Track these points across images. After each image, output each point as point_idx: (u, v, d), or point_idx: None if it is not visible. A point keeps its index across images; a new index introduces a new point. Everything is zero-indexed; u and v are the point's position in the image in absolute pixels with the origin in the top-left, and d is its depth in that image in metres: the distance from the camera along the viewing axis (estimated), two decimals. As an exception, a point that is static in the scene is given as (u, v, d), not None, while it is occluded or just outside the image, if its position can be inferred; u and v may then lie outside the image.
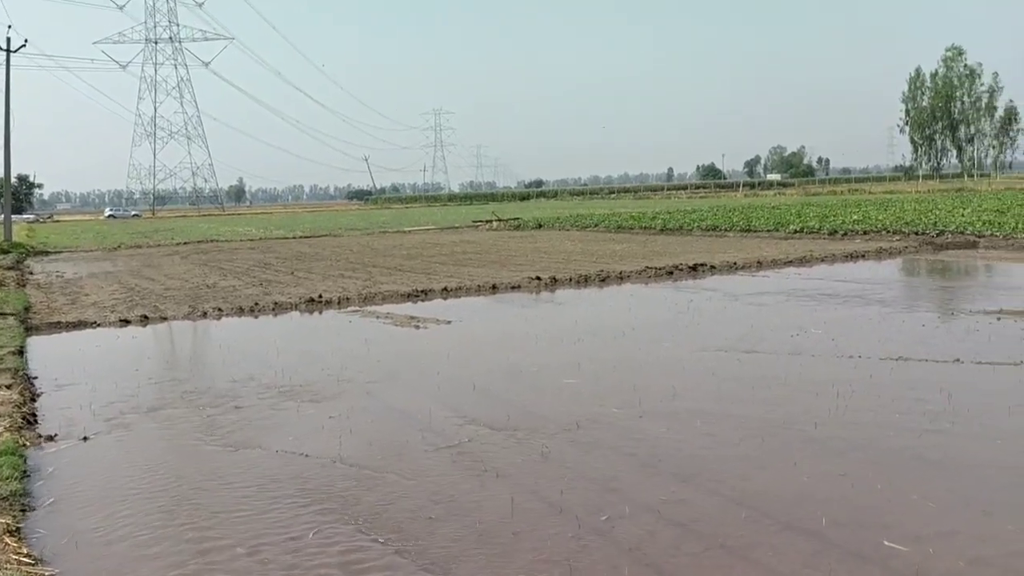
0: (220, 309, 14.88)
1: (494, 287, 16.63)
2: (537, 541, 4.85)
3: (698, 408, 7.42)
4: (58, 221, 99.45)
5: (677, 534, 4.87)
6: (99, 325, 13.80)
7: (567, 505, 5.34)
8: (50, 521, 5.46)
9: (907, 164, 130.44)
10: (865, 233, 25.40)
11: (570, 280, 17.35)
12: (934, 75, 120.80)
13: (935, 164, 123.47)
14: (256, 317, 14.36)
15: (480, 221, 48.26)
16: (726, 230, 29.83)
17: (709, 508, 5.22)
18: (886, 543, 4.64)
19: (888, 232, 25.09)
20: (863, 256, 20.39)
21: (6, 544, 4.79)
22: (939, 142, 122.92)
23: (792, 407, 7.36)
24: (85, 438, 7.31)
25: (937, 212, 31.29)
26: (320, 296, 15.84)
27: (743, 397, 7.75)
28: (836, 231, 26.28)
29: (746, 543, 4.72)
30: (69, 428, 7.61)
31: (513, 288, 16.61)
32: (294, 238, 39.56)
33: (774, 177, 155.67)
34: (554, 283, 17.09)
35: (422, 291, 16.26)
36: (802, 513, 5.10)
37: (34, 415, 8.04)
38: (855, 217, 30.40)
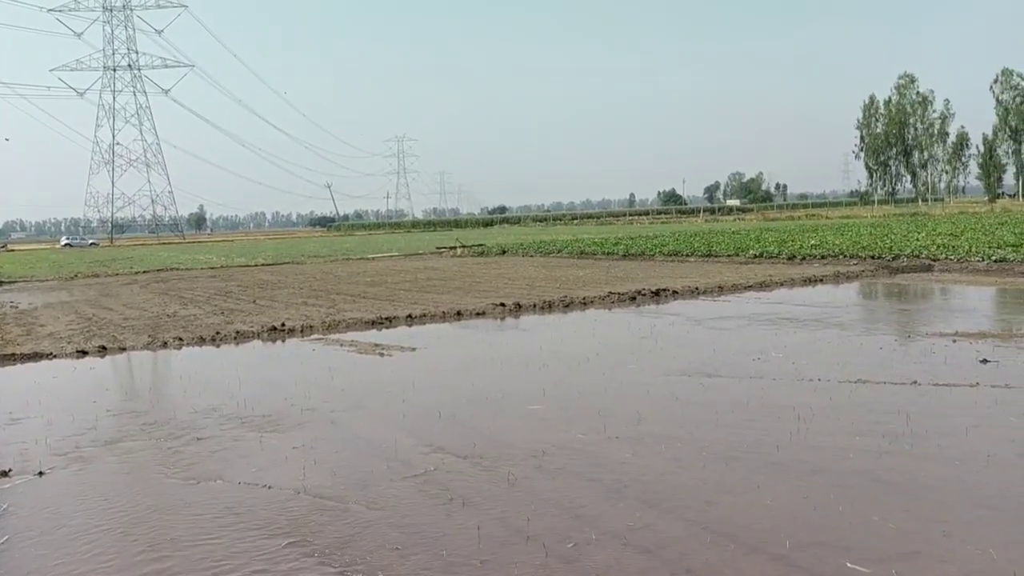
0: (181, 339, 14.67)
1: (459, 313, 16.62)
2: (504, 570, 4.84)
3: (663, 433, 7.47)
4: (12, 250, 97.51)
5: (643, 560, 4.88)
6: (55, 356, 13.53)
7: (534, 532, 5.34)
8: (4, 561, 5.32)
9: (863, 189, 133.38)
10: (823, 258, 25.84)
11: (534, 306, 17.40)
12: (888, 102, 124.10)
13: (890, 189, 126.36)
14: (218, 346, 14.18)
15: (444, 247, 48.27)
16: (688, 255, 30.16)
17: (675, 533, 5.24)
18: (849, 565, 4.69)
19: (845, 256, 25.55)
20: (821, 280, 20.73)
21: (-42, 584, 4.66)
22: (893, 167, 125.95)
23: (754, 431, 7.44)
24: (40, 473, 7.14)
25: (892, 236, 31.97)
26: (283, 324, 15.70)
27: (707, 421, 7.81)
28: (795, 256, 26.71)
29: (712, 567, 4.75)
30: (24, 463, 7.43)
31: (478, 314, 16.61)
32: (256, 266, 39.20)
33: (734, 203, 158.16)
34: (518, 309, 17.13)
35: (386, 318, 16.19)
36: (766, 536, 5.15)
37: (-13, 450, 7.84)
38: (813, 242, 30.94)
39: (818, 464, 6.46)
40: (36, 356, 13.58)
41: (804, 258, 26.18)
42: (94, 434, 8.42)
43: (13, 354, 13.68)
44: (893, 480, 6.06)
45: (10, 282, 34.30)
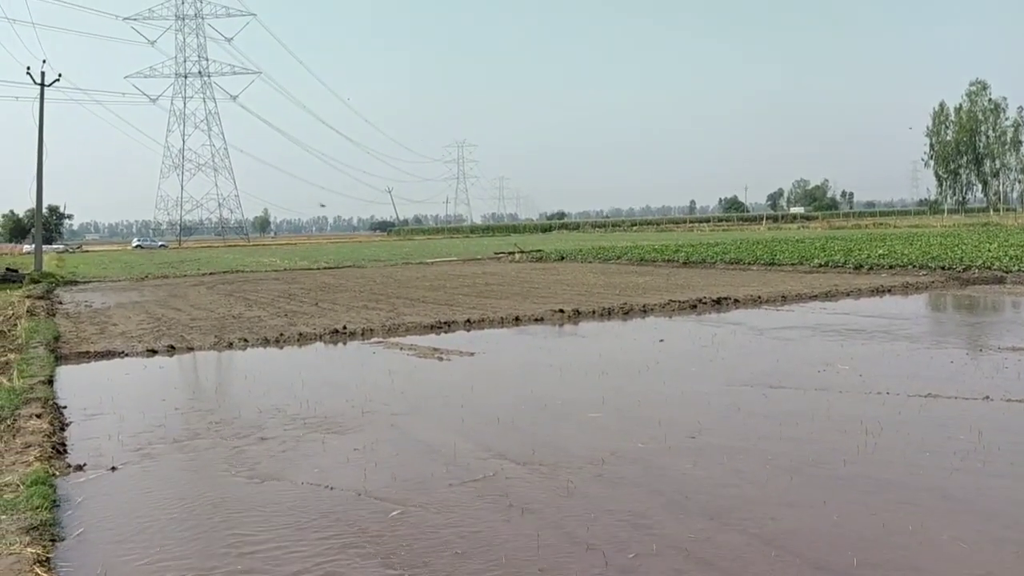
0: (246, 339, 15.00)
1: (517, 319, 16.66)
2: (564, 578, 4.82)
3: (724, 444, 7.37)
4: (87, 251, 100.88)
5: (705, 573, 4.82)
6: (127, 355, 13.96)
7: (593, 541, 5.31)
8: (79, 551, 5.50)
9: (932, 198, 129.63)
10: (891, 267, 25.22)
11: (593, 313, 17.34)
12: (958, 109, 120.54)
13: (960, 198, 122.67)
14: (281, 348, 14.46)
15: (502, 253, 48.42)
16: (749, 263, 29.73)
17: (737, 546, 5.16)
18: (919, 585, 4.57)
19: (914, 267, 24.89)
20: (889, 291, 20.24)
21: (36, 574, 4.83)
22: (964, 176, 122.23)
23: (820, 444, 7.29)
24: (113, 468, 7.37)
25: (963, 247, 31.03)
26: (344, 327, 15.93)
27: (770, 433, 7.68)
28: (861, 265, 26.12)
29: (775, 583, 4.66)
30: (98, 458, 7.68)
31: (536, 320, 16.62)
32: (318, 269, 39.87)
33: (797, 210, 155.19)
34: (577, 315, 17.09)
35: (445, 323, 16.31)
36: (832, 553, 5.04)
37: (63, 444, 8.12)
38: (880, 251, 30.22)
39: (887, 480, 6.30)
40: (109, 354, 14.03)
41: (871, 268, 25.58)
42: (163, 431, 8.65)
43: (88, 352, 14.15)
44: (965, 498, 5.88)
45: (85, 282, 35.50)
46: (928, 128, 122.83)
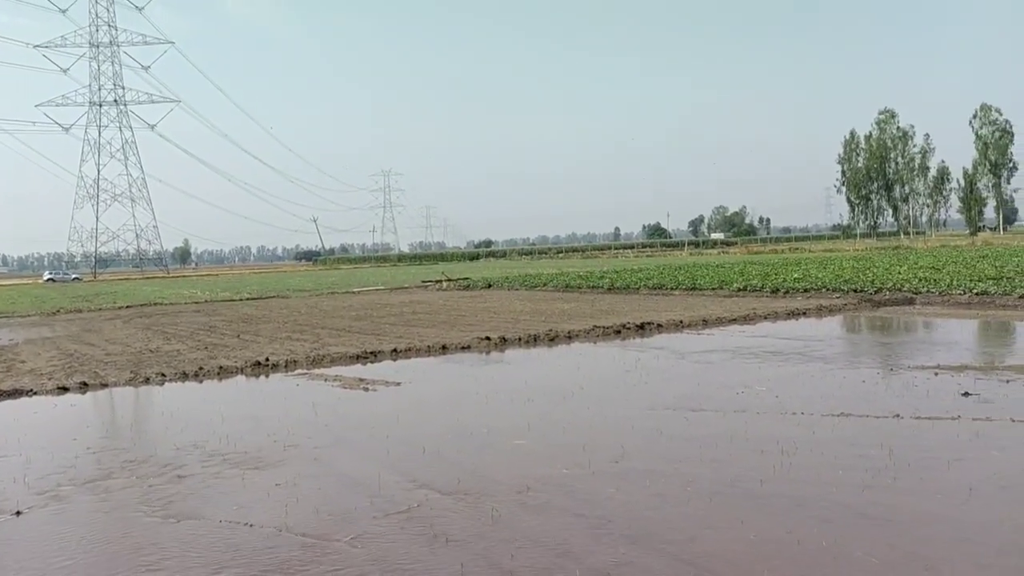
0: (163, 374, 14.57)
1: (444, 347, 16.60)
2: (487, 608, 4.80)
3: (647, 468, 7.47)
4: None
5: (627, 597, 4.86)
6: (35, 393, 13.40)
7: (517, 569, 5.31)
8: (-20, 601, 5.24)
9: (845, 223, 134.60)
10: (806, 291, 26.01)
11: (519, 340, 17.41)
12: (868, 137, 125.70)
13: (872, 223, 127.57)
14: (200, 382, 14.09)
15: (429, 281, 48.29)
16: (672, 288, 30.30)
17: (659, 569, 5.23)
18: (832, 600, 4.69)
19: (828, 290, 25.73)
20: (804, 313, 20.86)
21: (-68, 627, 4.58)
22: (875, 201, 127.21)
23: (738, 465, 7.45)
24: (18, 512, 7.05)
25: (875, 270, 32.25)
26: (267, 359, 15.63)
27: (690, 456, 7.82)
28: (778, 289, 26.87)
29: (695, 604, 4.73)
30: (1, 502, 7.34)
31: (463, 348, 16.60)
32: (240, 300, 39.05)
33: (718, 236, 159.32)
34: (503, 343, 17.13)
35: (371, 352, 16.15)
36: (750, 571, 5.14)
37: (-35, 489, 7.73)
38: (796, 275, 31.17)
39: (801, 498, 6.47)
40: (16, 393, 13.44)
41: (787, 291, 26.35)
42: (74, 472, 8.33)
43: (-7, 391, 13.53)
44: (876, 514, 6.08)
45: (-9, 317, 33.98)
46: (840, 155, 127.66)
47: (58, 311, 36.09)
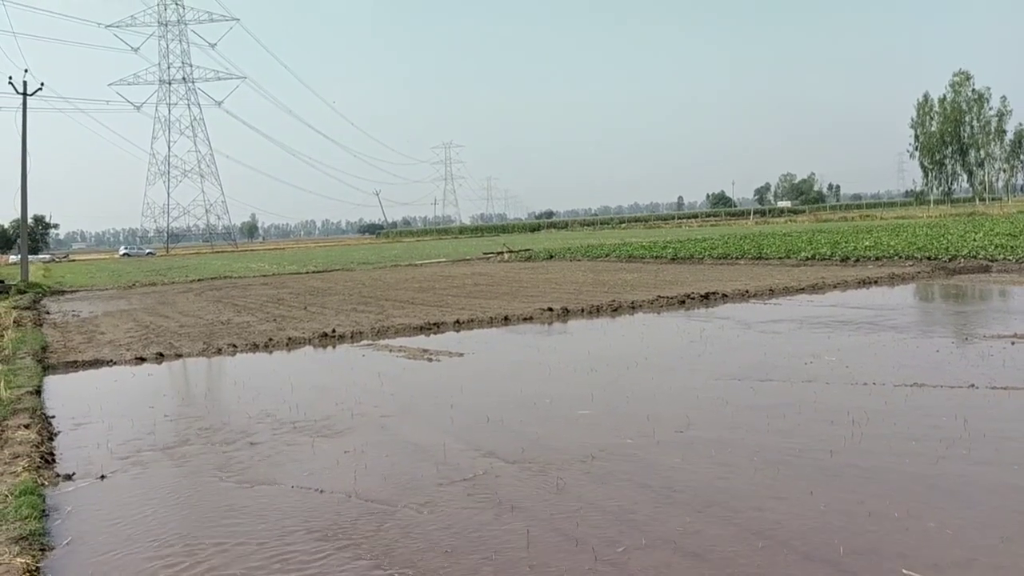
0: (234, 345, 14.97)
1: (506, 319, 16.67)
2: (554, 573, 4.85)
3: (712, 437, 7.41)
4: (73, 261, 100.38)
5: (693, 565, 4.85)
6: (115, 363, 13.91)
7: (583, 537, 5.34)
8: (68, 561, 5.49)
9: (918, 189, 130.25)
10: (877, 259, 25.36)
11: (582, 310, 17.38)
12: (942, 100, 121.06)
13: (946, 189, 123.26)
14: (270, 353, 14.43)
15: (491, 253, 48.44)
16: (737, 258, 29.83)
17: (725, 538, 5.20)
18: (904, 572, 4.61)
19: (900, 258, 25.05)
20: (875, 282, 20.35)
21: (26, 583, 4.83)
22: (949, 167, 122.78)
23: (807, 435, 7.34)
24: (102, 476, 7.35)
25: (949, 237, 31.22)
26: (333, 331, 15.91)
27: (757, 426, 7.73)
28: (848, 257, 26.25)
29: (764, 574, 4.70)
30: (86, 467, 7.66)
31: (525, 319, 16.65)
32: (306, 273, 39.78)
33: (784, 204, 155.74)
34: (566, 314, 17.12)
35: (434, 324, 16.31)
36: (819, 542, 5.08)
37: (52, 454, 8.10)
38: (867, 243, 30.37)
39: (873, 469, 6.35)
40: (97, 363, 13.97)
41: (858, 260, 25.72)
42: (152, 439, 8.64)
43: (75, 361, 14.10)
44: (950, 486, 5.94)
45: (72, 291, 35.32)
46: (913, 119, 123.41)
47: (134, 284, 37.29)
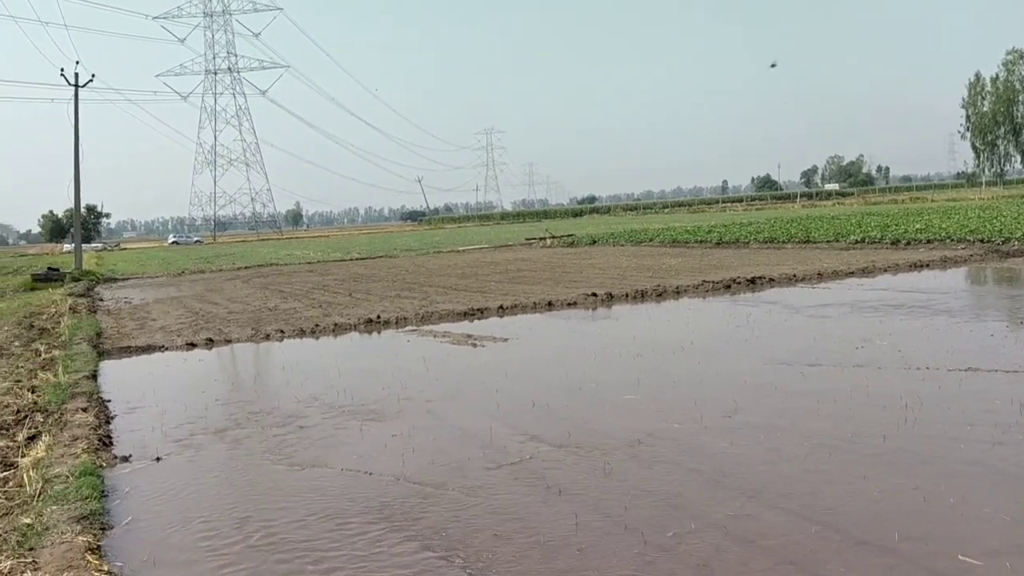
0: (282, 331, 15.18)
1: (550, 304, 16.66)
2: (603, 558, 4.85)
3: (761, 422, 7.33)
4: (125, 249, 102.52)
5: (745, 550, 4.82)
6: (167, 349, 14.20)
7: (631, 521, 5.33)
8: (128, 539, 5.64)
9: (969, 171, 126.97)
10: (928, 242, 24.82)
11: (626, 296, 17.29)
12: (995, 80, 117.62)
13: (998, 170, 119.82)
14: (317, 338, 14.61)
15: (533, 239, 48.40)
16: (784, 242, 29.42)
17: (777, 524, 5.15)
18: (961, 557, 4.53)
19: (952, 240, 24.48)
20: (927, 265, 19.93)
21: (88, 562, 4.96)
22: (1002, 148, 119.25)
23: (859, 420, 7.22)
24: (158, 458, 7.52)
25: (1002, 219, 30.42)
26: (378, 317, 16.05)
27: (808, 411, 7.63)
28: (898, 240, 25.74)
29: (817, 559, 4.65)
30: (142, 449, 7.85)
31: (569, 305, 16.62)
32: (351, 260, 40.16)
33: (832, 187, 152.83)
34: (610, 299, 17.05)
35: (478, 309, 16.36)
36: (873, 528, 5.00)
37: (109, 437, 8.31)
38: (918, 226, 29.74)
39: (927, 454, 6.24)
40: (149, 348, 14.28)
41: (909, 243, 25.20)
42: (205, 422, 8.81)
43: (129, 347, 14.43)
44: (1006, 471, 5.80)
45: (123, 279, 36.12)
46: (964, 100, 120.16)
47: (183, 272, 37.99)
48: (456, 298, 18.56)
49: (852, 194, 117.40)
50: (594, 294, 17.44)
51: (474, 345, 12.57)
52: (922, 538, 4.83)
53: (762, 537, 4.96)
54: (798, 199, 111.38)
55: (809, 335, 11.50)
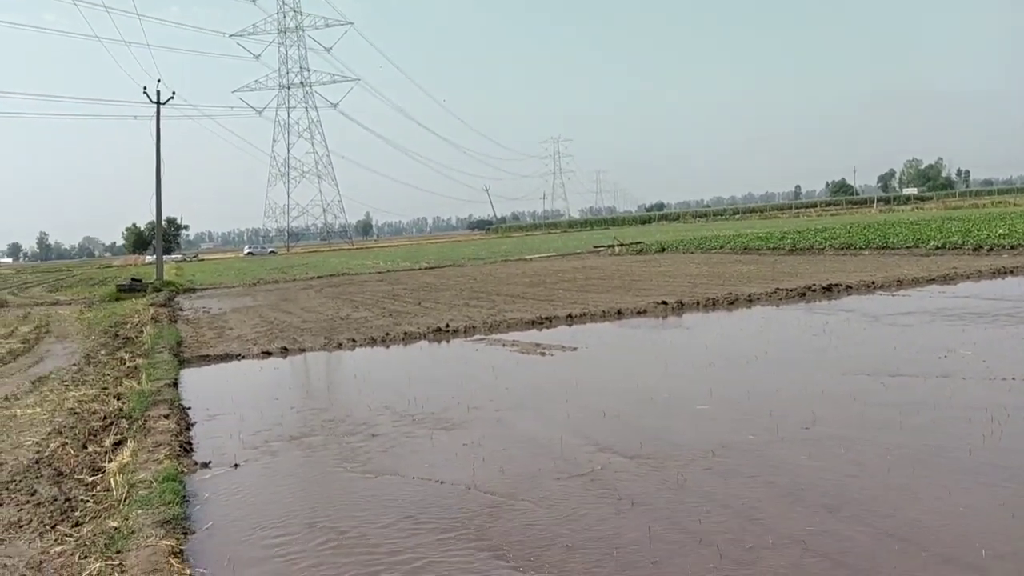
0: (354, 340, 15.42)
1: (619, 312, 16.54)
2: (678, 571, 4.77)
3: (841, 435, 7.13)
4: (203, 260, 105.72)
5: (825, 566, 4.68)
6: (243, 357, 14.56)
7: (707, 534, 5.23)
8: (209, 544, 5.78)
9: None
10: (1013, 248, 23.86)
11: (697, 304, 17.06)
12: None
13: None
14: (387, 347, 14.79)
15: (601, 246, 48.20)
16: (861, 248, 28.66)
17: (859, 539, 4.99)
18: (1058, 580, 4.32)
19: (1040, 245, 23.48)
20: (1012, 272, 19.15)
21: (171, 565, 5.10)
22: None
23: (943, 433, 6.97)
24: (236, 465, 7.70)
25: (1096, 222, 29.06)
26: (447, 325, 16.17)
27: (889, 423, 7.39)
28: (981, 246, 24.81)
29: (900, 577, 4.49)
30: (221, 455, 8.05)
31: (639, 313, 16.47)
32: (419, 269, 40.58)
33: (911, 191, 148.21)
34: (681, 307, 16.85)
35: (546, 318, 16.34)
36: (960, 545, 4.81)
37: (189, 443, 8.54)
38: (1001, 231, 28.61)
39: (1016, 468, 5.98)
40: (227, 357, 14.66)
41: (992, 248, 24.27)
42: (280, 429, 8.99)
43: (207, 355, 14.84)
44: (1107, 489, 5.52)
45: (202, 289, 37.20)
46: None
47: (258, 282, 38.94)
48: (524, 307, 18.57)
49: (931, 198, 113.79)
50: (664, 302, 17.26)
51: (543, 354, 12.56)
52: (1011, 556, 4.62)
53: (843, 553, 4.82)
54: (875, 204, 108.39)
55: (889, 344, 11.16)
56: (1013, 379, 8.59)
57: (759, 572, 4.68)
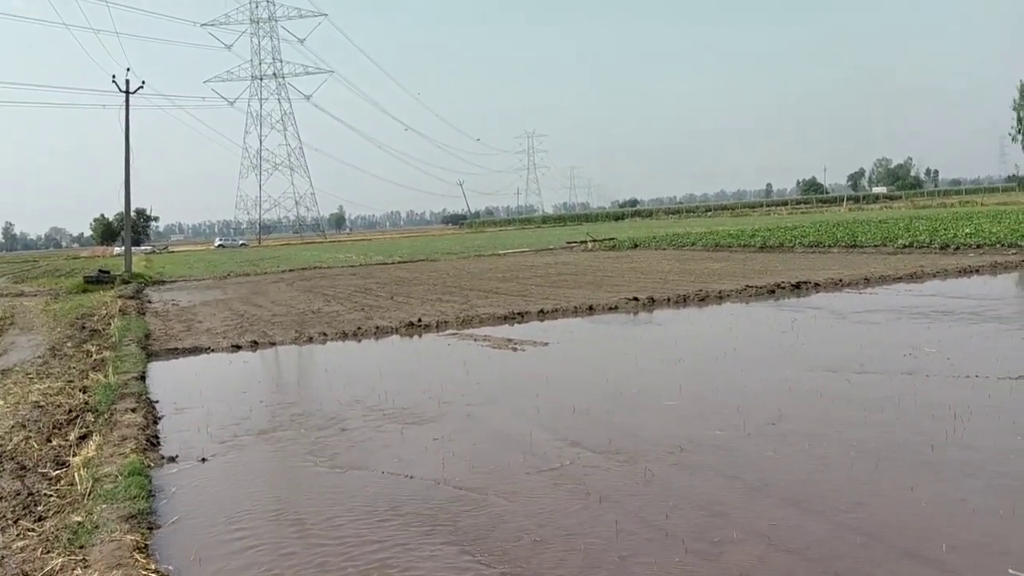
0: (325, 334, 15.34)
1: (591, 308, 16.61)
2: (644, 566, 4.82)
3: (806, 430, 7.23)
4: (172, 252, 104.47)
5: (789, 561, 4.75)
6: (212, 350, 14.44)
7: (673, 529, 5.28)
8: (175, 538, 5.74)
9: (1020, 174, 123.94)
10: (978, 247, 24.27)
11: (668, 300, 17.18)
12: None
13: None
14: (359, 341, 14.74)
15: (574, 242, 48.31)
16: (830, 246, 28.99)
17: (822, 534, 5.07)
18: (1011, 571, 4.42)
19: (1003, 245, 23.89)
20: (977, 271, 19.48)
21: (136, 560, 5.06)
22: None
23: (907, 429, 7.09)
24: (203, 459, 7.65)
25: (1058, 223, 29.63)
26: (419, 320, 16.14)
27: (854, 419, 7.50)
28: (948, 245, 25.21)
29: (862, 570, 4.57)
30: (188, 449, 7.99)
31: (610, 309, 16.55)
32: (392, 263, 40.45)
33: (880, 190, 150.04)
34: (652, 303, 16.95)
35: (518, 313, 16.37)
36: (921, 539, 4.91)
37: (156, 437, 8.47)
38: (967, 230, 29.08)
39: (977, 465, 6.10)
40: (196, 350, 14.53)
41: (958, 247, 24.67)
42: (249, 424, 8.94)
43: (176, 348, 14.69)
44: (1063, 484, 5.64)
45: (171, 281, 36.80)
46: (1015, 101, 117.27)
47: (228, 275, 38.59)
48: (497, 302, 18.59)
49: (900, 197, 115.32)
50: (635, 298, 17.35)
51: (514, 349, 12.58)
52: (970, 550, 4.72)
53: (806, 548, 4.89)
54: (845, 202, 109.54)
55: (855, 341, 11.31)
56: (976, 376, 8.75)
57: (724, 566, 4.74)
